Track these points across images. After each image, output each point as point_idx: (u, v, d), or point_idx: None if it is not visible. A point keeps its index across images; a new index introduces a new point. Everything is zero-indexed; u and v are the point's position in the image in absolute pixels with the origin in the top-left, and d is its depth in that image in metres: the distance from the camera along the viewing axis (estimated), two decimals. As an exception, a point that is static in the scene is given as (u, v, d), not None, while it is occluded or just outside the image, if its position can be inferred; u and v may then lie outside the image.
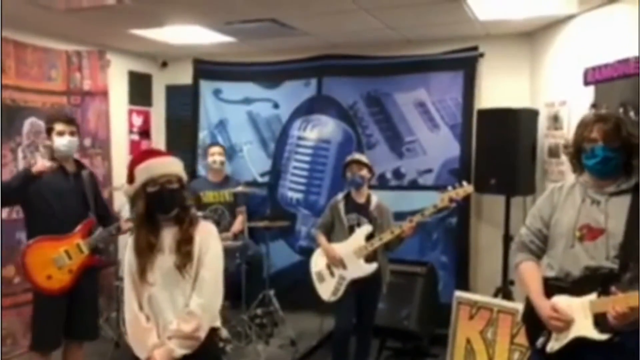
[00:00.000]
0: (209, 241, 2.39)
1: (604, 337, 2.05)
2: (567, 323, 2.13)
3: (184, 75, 5.87)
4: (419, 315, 4.25)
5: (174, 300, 2.32)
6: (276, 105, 5.59)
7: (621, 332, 2.02)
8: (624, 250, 2.09)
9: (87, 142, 4.98)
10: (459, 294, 4.27)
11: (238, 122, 5.70)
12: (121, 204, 4.71)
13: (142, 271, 2.30)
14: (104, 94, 5.13)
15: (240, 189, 4.63)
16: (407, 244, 3.83)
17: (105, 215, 3.51)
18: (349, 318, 3.76)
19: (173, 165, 2.43)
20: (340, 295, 3.71)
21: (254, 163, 5.68)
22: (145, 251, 2.31)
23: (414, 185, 5.04)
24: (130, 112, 5.73)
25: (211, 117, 5.79)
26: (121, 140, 5.54)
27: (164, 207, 2.34)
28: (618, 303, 1.98)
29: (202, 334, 2.30)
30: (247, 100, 5.66)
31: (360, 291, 3.72)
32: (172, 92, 6.05)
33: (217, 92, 5.78)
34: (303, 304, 4.75)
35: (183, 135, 5.91)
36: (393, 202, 4.10)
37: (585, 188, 2.24)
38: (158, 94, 6.06)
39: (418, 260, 4.62)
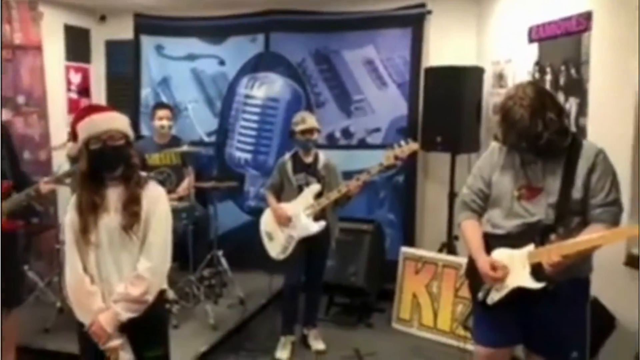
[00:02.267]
0: (157, 203, 2.32)
1: (539, 285, 2.13)
2: (504, 276, 2.20)
3: (124, 30, 5.59)
4: (366, 272, 4.32)
5: (119, 263, 2.26)
6: (222, 62, 5.42)
7: (555, 281, 2.11)
8: (560, 205, 2.17)
9: (21, 99, 4.72)
10: (405, 249, 4.37)
11: (182, 80, 5.50)
12: (60, 164, 4.54)
13: (85, 230, 2.22)
14: (37, 48, 4.85)
15: (185, 148, 4.51)
16: (355, 202, 3.86)
17: (22, 178, 3.20)
18: (298, 275, 3.79)
19: (116, 121, 2.34)
20: (289, 253, 3.72)
21: (200, 122, 5.53)
22: (89, 210, 2.23)
23: (362, 145, 5.04)
24: (68, 68, 5.45)
25: (154, 74, 5.57)
26: (58, 99, 5.28)
27: (107, 165, 2.27)
28: (553, 252, 2.06)
29: (151, 298, 2.26)
30: (191, 57, 5.47)
31: (309, 249, 3.74)
32: (112, 48, 5.77)
33: (159, 48, 5.55)
34: (252, 264, 4.75)
35: (124, 94, 5.67)
36: (342, 161, 4.10)
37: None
38: (97, 49, 5.77)
39: (365, 218, 4.66)
